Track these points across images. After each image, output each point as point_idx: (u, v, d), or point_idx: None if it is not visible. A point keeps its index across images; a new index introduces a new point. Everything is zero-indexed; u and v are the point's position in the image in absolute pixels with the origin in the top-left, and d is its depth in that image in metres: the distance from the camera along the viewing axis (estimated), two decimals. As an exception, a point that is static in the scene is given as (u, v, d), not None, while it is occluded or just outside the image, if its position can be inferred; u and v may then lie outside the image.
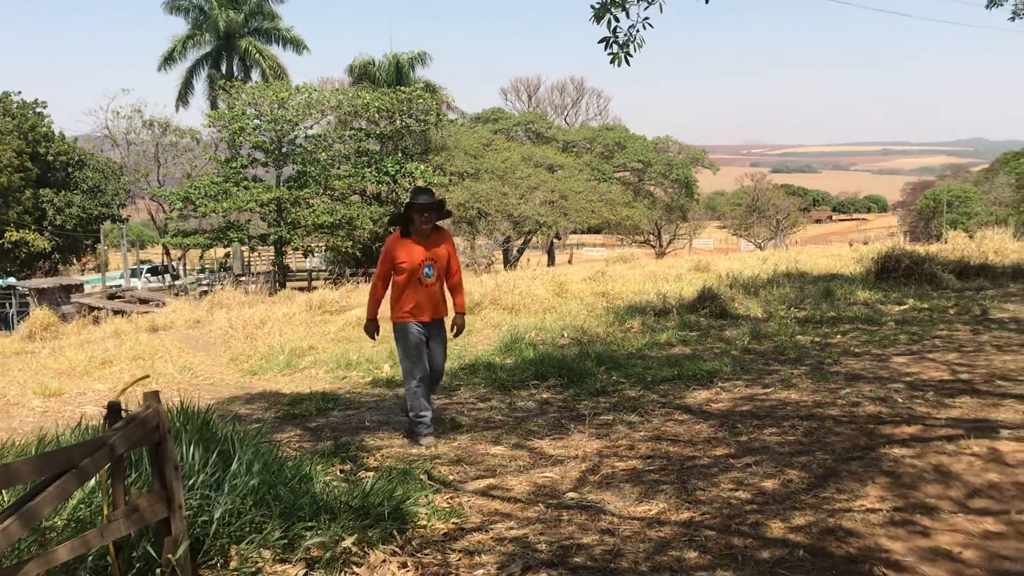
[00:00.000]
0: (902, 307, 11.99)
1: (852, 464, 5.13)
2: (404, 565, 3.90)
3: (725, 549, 3.94)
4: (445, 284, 6.45)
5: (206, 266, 45.82)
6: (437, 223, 6.32)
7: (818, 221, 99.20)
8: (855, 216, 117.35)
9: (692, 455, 5.57)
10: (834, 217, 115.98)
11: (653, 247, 56.49)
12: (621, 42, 8.00)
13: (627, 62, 8.00)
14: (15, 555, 3.45)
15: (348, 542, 3.97)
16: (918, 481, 4.74)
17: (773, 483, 4.88)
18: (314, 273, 40.84)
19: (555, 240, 52.46)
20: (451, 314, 6.65)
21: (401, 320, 6.27)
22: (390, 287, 6.37)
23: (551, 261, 48.00)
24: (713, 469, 5.23)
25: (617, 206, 44.83)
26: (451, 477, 5.37)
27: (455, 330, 6.61)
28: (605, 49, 7.99)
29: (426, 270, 6.19)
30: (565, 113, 71.59)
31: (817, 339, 9.77)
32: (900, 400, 6.62)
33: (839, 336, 9.89)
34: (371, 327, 6.56)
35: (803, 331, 10.26)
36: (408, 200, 6.27)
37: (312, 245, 38.23)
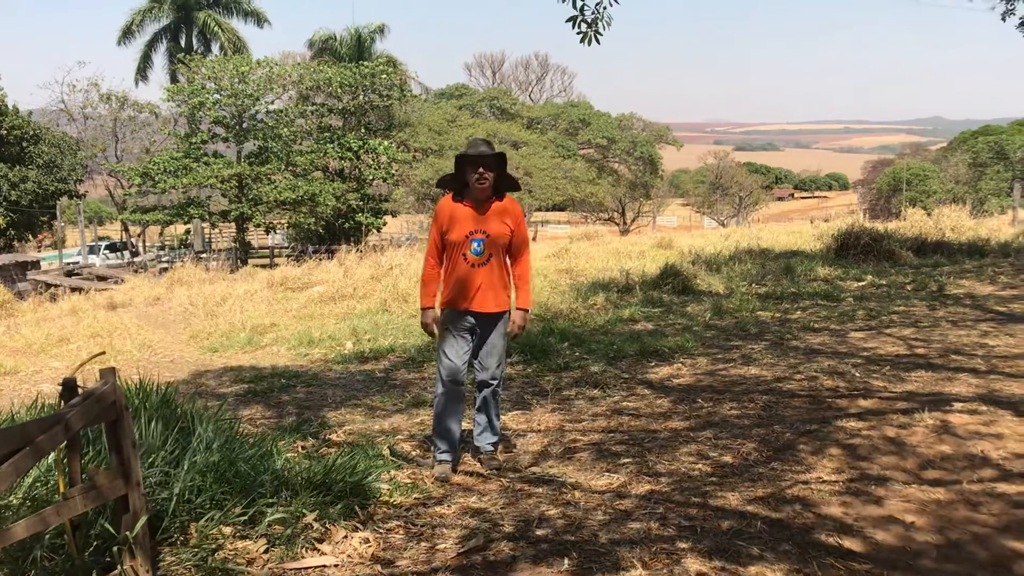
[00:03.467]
0: (861, 283, 12.17)
1: (809, 437, 5.22)
2: (366, 540, 3.91)
3: (685, 520, 4.00)
4: (504, 268, 5.01)
5: (166, 243, 45.20)
6: (503, 192, 4.99)
7: (780, 199, 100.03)
8: (816, 194, 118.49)
9: (653, 429, 5.62)
10: (796, 195, 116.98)
11: (617, 224, 56.63)
12: (589, 20, 7.96)
13: (597, 40, 7.98)
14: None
15: (310, 518, 3.97)
16: (872, 453, 4.84)
17: (732, 456, 4.95)
18: (276, 250, 40.45)
19: (519, 217, 52.44)
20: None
21: (443, 305, 5.01)
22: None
23: (515, 238, 47.94)
24: (674, 443, 5.29)
25: (581, 183, 44.91)
26: (413, 453, 5.38)
27: (514, 327, 5.07)
28: (573, 28, 7.95)
29: (474, 245, 4.83)
30: (530, 89, 71.36)
31: (777, 315, 9.89)
32: (857, 375, 6.73)
33: (799, 312, 10.02)
34: (427, 317, 5.02)
35: (764, 307, 10.38)
36: (460, 152, 5.00)
37: (274, 222, 37.84)
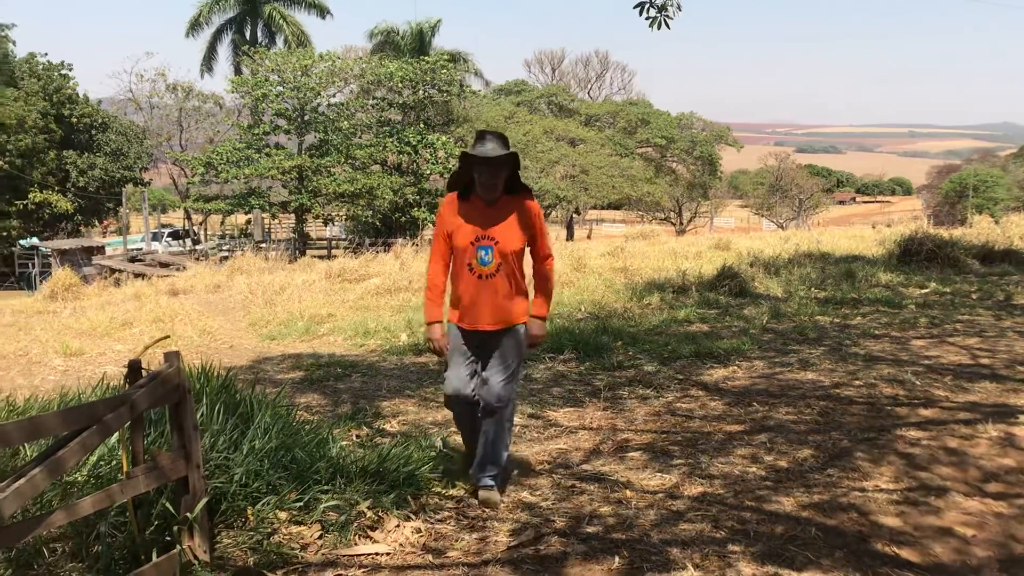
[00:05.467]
0: (924, 290, 11.91)
1: (866, 445, 5.13)
2: (418, 530, 3.95)
3: (738, 524, 3.96)
4: (517, 277, 4.32)
5: (226, 232, 46.02)
6: (516, 189, 4.31)
7: (841, 202, 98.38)
8: (879, 198, 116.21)
9: (707, 431, 5.58)
10: (857, 199, 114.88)
11: (673, 224, 56.22)
12: (659, 4, 7.86)
13: (667, 25, 7.87)
14: (38, 507, 3.51)
15: (363, 506, 4.02)
16: (932, 463, 4.74)
17: (786, 461, 4.89)
18: (334, 242, 40.94)
19: (574, 215, 52.34)
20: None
21: (449, 320, 4.42)
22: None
23: (570, 236, 47.89)
24: (727, 445, 5.24)
25: (638, 182, 44.62)
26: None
27: (531, 339, 4.42)
28: (641, 14, 7.86)
29: (481, 253, 4.19)
30: (589, 87, 71.08)
31: (837, 320, 9.73)
32: (918, 383, 6.59)
33: (859, 318, 9.85)
34: (432, 333, 4.39)
35: (823, 312, 10.22)
36: (464, 150, 4.31)
37: (332, 214, 38.30)
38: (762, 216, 65.15)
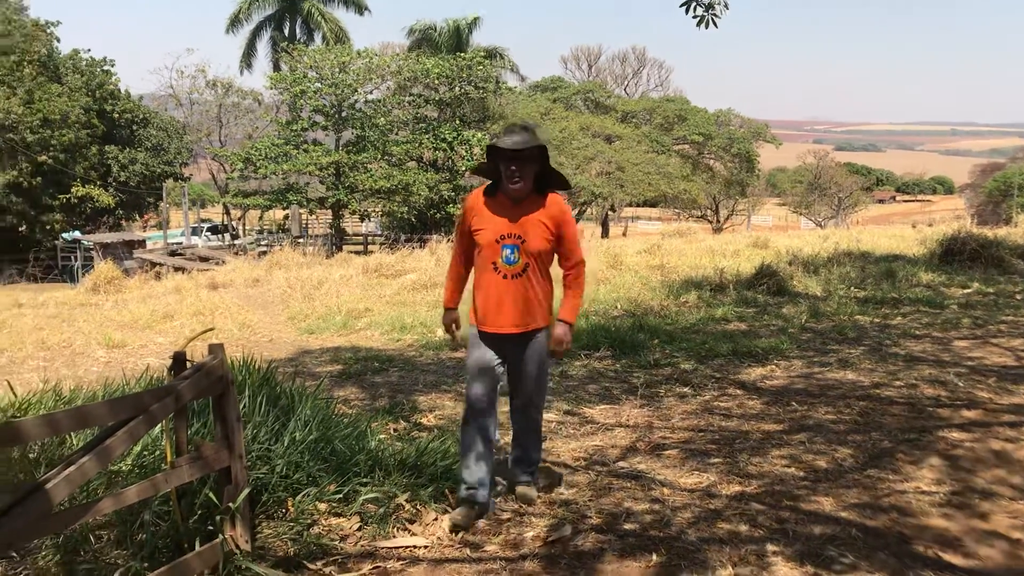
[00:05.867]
0: (966, 291, 11.72)
1: (907, 446, 5.07)
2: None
3: (776, 523, 3.94)
4: (545, 280, 4.13)
5: (265, 227, 46.48)
6: (547, 186, 4.12)
7: (881, 201, 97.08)
8: (919, 197, 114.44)
9: (744, 430, 5.54)
10: (898, 198, 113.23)
11: (710, 222, 55.82)
12: (706, 3, 7.79)
13: (714, 23, 7.80)
14: (84, 495, 3.58)
15: (401, 499, 4.05)
16: (976, 465, 4.67)
17: (826, 461, 4.85)
18: (370, 238, 41.19)
19: (610, 212, 52.15)
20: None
21: (472, 323, 4.20)
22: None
23: (605, 233, 47.75)
24: (765, 444, 5.20)
25: (675, 179, 44.35)
26: (501, 441, 5.43)
27: (555, 346, 4.16)
28: (687, 12, 7.80)
29: (506, 252, 3.98)
30: (625, 83, 70.76)
31: (877, 320, 9.62)
32: (960, 384, 6.50)
33: (900, 318, 9.72)
34: (446, 318, 4.40)
35: (863, 311, 10.10)
36: (490, 142, 3.97)
37: (369, 210, 38.52)
38: (800, 214, 64.50)
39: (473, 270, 4.20)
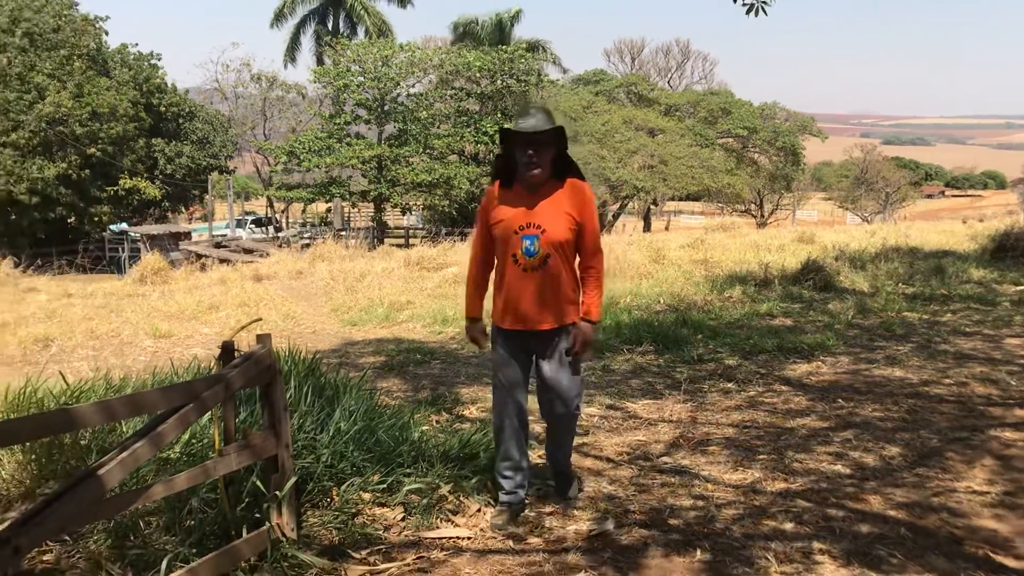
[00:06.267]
0: (1019, 287, 11.47)
1: (958, 444, 4.98)
2: (498, 516, 3.97)
3: (822, 521, 3.89)
4: (568, 271, 3.88)
5: (307, 220, 46.92)
6: (565, 172, 3.85)
7: (929, 196, 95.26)
8: (969, 192, 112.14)
9: (790, 426, 5.48)
10: (947, 193, 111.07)
11: (754, 217, 55.25)
12: None
13: (764, 11, 7.72)
14: (135, 482, 3.65)
15: (444, 490, 4.07)
16: (1030, 466, 4.57)
17: (873, 459, 4.78)
18: (411, 231, 41.41)
19: (652, 206, 51.85)
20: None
21: (494, 320, 3.99)
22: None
23: (647, 227, 47.50)
24: (811, 441, 5.14)
25: (719, 173, 43.95)
26: (544, 435, 5.42)
27: (575, 345, 3.89)
28: (736, 0, 7.71)
29: (526, 243, 3.75)
30: (669, 76, 70.18)
31: (926, 316, 9.45)
32: (1013, 383, 6.37)
33: (949, 314, 9.54)
34: (471, 331, 4.17)
35: (911, 308, 9.93)
36: (504, 126, 3.85)
37: (410, 203, 38.74)
38: (846, 209, 63.59)
39: (496, 267, 3.97)
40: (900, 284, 11.85)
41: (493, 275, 4.00)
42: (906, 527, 3.80)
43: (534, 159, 3.71)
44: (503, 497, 3.99)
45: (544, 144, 3.72)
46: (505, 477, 4.00)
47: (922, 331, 8.63)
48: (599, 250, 3.93)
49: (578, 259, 3.93)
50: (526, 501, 4.09)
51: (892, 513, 3.97)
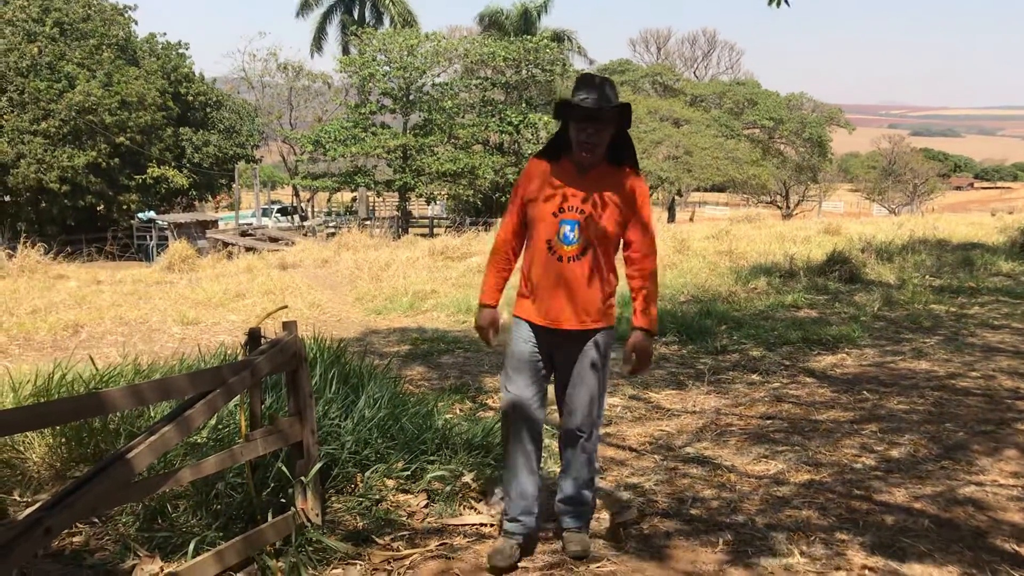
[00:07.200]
0: (1048, 281, 11.34)
1: (984, 438, 4.94)
2: (521, 503, 3.98)
3: (846, 512, 3.87)
4: (606, 269, 3.38)
5: (333, 209, 47.16)
6: (622, 157, 3.39)
7: (958, 188, 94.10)
8: (999, 184, 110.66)
9: (814, 418, 5.46)
10: (976, 185, 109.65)
11: (779, 208, 54.86)
12: None
13: (787, 2, 7.65)
14: (162, 466, 3.70)
15: (468, 477, 4.09)
16: (1058, 460, 4.53)
17: (898, 451, 4.75)
18: (435, 220, 41.49)
19: (676, 197, 51.62)
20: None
21: (516, 314, 3.49)
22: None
23: (671, 218, 47.29)
24: (835, 433, 5.11)
25: (744, 164, 43.70)
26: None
27: (632, 361, 3.40)
28: None
29: (564, 229, 3.29)
30: (695, 66, 69.87)
31: (953, 309, 9.36)
32: (1041, 376, 6.30)
33: (977, 307, 9.45)
34: (483, 318, 3.60)
35: (939, 300, 9.85)
36: (561, 98, 3.42)
37: (434, 192, 38.83)
38: (873, 201, 62.99)
39: (523, 252, 3.50)
40: (927, 276, 11.74)
41: (521, 261, 3.53)
42: (931, 519, 3.78)
43: (593, 138, 3.25)
44: (507, 525, 3.45)
45: (605, 123, 3.26)
46: (511, 499, 3.46)
47: (949, 324, 8.56)
48: (653, 244, 3.44)
49: (628, 260, 3.42)
50: (539, 533, 3.57)
51: (917, 505, 3.95)
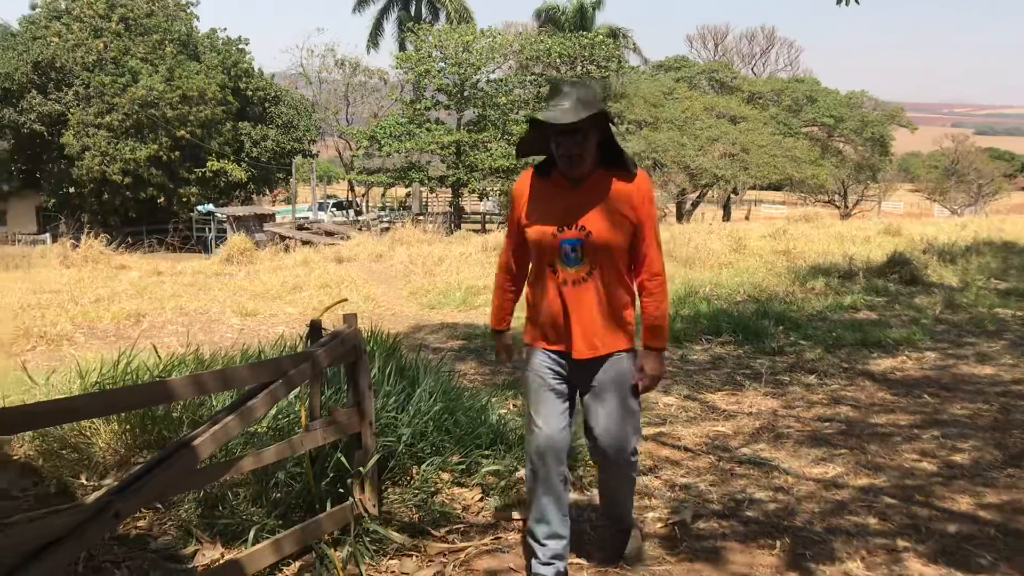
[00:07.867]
0: (1120, 285, 10.99)
1: (1053, 446, 4.80)
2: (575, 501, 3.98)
3: (907, 518, 3.80)
4: (619, 285, 3.06)
5: (387, 204, 47.54)
6: (616, 160, 3.01)
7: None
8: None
9: (873, 421, 5.36)
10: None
11: (837, 207, 53.90)
12: None
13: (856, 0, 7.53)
14: (224, 455, 3.77)
15: (521, 472, 4.09)
16: None
17: (961, 457, 4.64)
18: (487, 216, 41.61)
19: (732, 195, 51.01)
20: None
21: (526, 341, 3.24)
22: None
23: (727, 216, 46.76)
24: (895, 437, 5.02)
25: (802, 163, 42.97)
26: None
27: (641, 379, 3.13)
28: None
29: (566, 249, 2.99)
30: (753, 63, 68.83)
31: (1019, 313, 9.12)
32: (1113, 384, 6.11)
33: (1045, 312, 9.19)
34: (498, 344, 3.55)
35: (1004, 304, 9.61)
36: (531, 115, 3.05)
37: (487, 188, 38.94)
38: (934, 201, 61.56)
39: (529, 276, 3.23)
40: (992, 279, 11.45)
41: (527, 288, 3.26)
42: (996, 528, 3.69)
43: (574, 150, 2.90)
44: (537, 568, 3.12)
45: (584, 132, 2.89)
46: (538, 543, 3.13)
47: (1015, 328, 8.34)
48: (659, 253, 3.09)
49: (640, 287, 3.12)
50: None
51: (982, 513, 3.86)
